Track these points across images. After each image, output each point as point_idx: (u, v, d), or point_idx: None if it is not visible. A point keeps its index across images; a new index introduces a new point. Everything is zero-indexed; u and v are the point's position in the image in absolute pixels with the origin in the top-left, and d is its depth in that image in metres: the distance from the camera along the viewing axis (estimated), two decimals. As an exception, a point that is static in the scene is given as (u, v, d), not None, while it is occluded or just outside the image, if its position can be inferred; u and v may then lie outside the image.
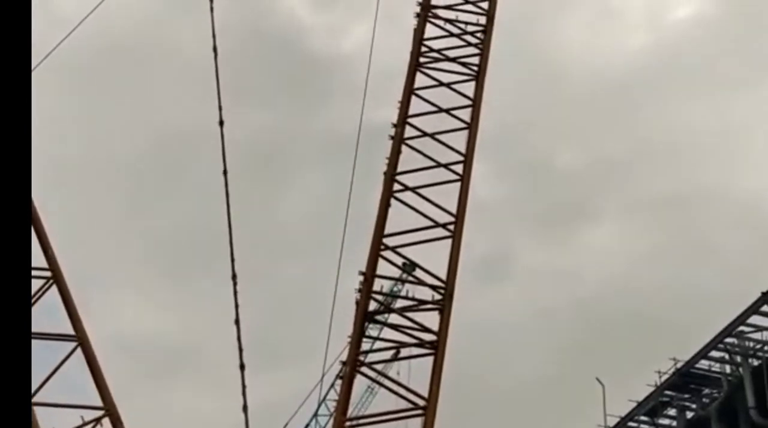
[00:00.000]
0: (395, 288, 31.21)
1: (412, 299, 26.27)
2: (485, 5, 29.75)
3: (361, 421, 26.33)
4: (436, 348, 25.16)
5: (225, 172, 26.96)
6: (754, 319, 43.62)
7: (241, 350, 24.92)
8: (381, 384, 26.10)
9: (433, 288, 26.04)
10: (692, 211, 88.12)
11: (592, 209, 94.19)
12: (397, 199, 27.10)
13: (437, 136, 27.96)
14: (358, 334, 25.52)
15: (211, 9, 28.55)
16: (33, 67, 27.55)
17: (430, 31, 29.26)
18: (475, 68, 28.84)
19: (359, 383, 25.93)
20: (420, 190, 27.20)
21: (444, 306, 25.70)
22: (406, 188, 27.21)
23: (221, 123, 27.55)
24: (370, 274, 26.06)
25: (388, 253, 26.36)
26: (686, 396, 46.76)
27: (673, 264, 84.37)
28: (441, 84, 28.67)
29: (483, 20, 29.47)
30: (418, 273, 26.55)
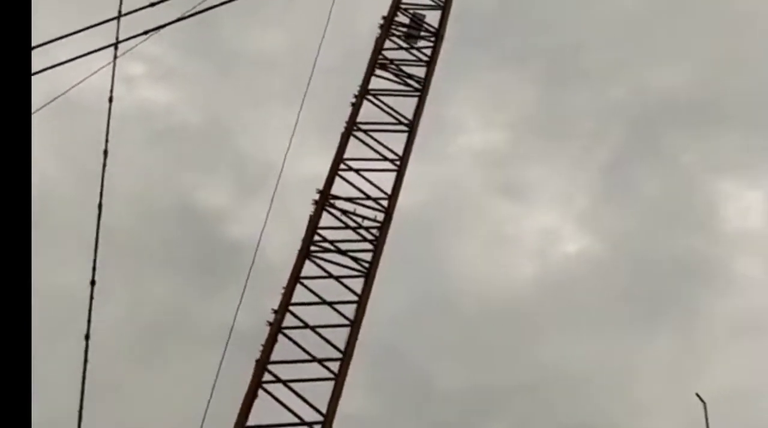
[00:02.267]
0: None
1: None
2: (385, 203, 28.98)
3: None
4: None
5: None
6: None
7: None
8: None
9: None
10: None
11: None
12: (265, 390, 25.58)
13: (318, 329, 26.69)
14: None
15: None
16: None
17: (325, 219, 28.32)
18: (366, 265, 27.84)
19: None
20: (291, 384, 25.75)
21: None
22: (278, 380, 25.74)
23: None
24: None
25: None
26: None
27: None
28: (329, 276, 27.56)
29: (381, 217, 28.68)
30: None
